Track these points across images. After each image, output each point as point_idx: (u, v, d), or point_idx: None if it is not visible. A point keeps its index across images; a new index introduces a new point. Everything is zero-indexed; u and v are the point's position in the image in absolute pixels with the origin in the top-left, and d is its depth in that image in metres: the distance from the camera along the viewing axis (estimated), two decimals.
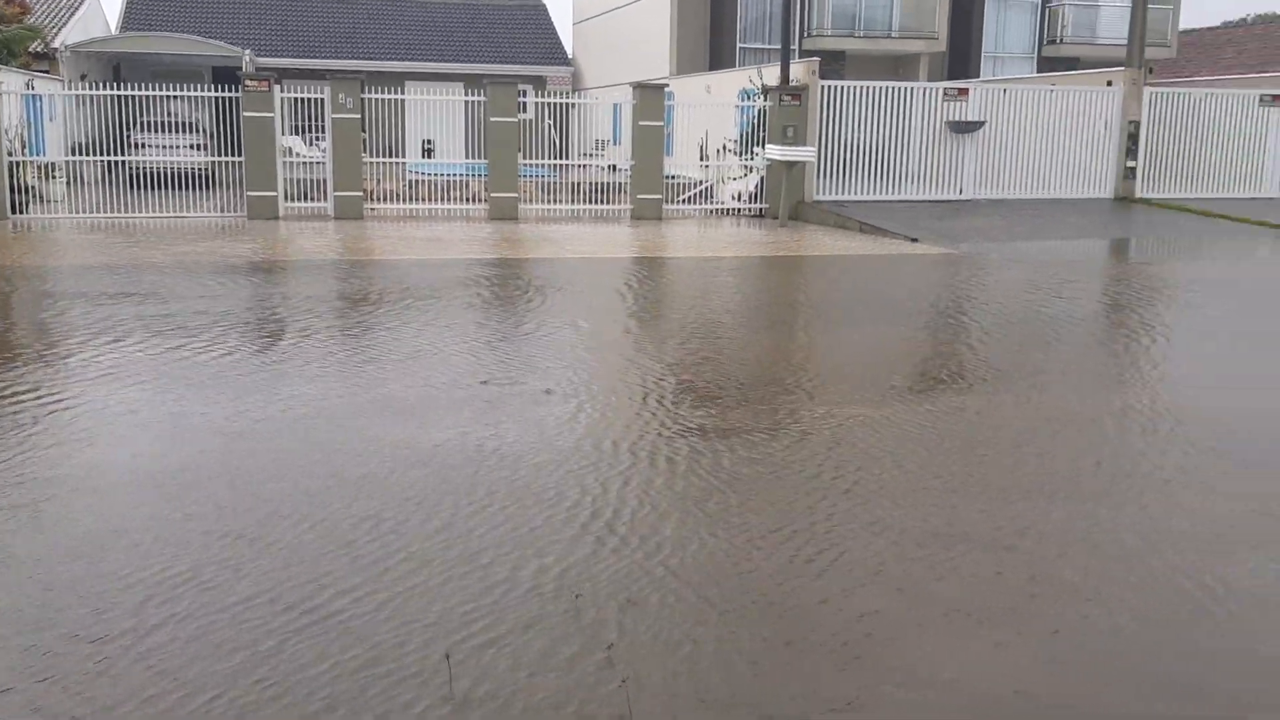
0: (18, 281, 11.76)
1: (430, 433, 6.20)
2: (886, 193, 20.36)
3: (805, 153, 19.37)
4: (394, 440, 6.04)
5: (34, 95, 19.37)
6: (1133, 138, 21.09)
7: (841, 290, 12.84)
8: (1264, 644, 3.96)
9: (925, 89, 21.10)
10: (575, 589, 4.19)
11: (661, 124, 19.86)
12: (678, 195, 20.90)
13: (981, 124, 20.55)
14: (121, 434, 6.17)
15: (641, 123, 19.63)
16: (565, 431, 6.33)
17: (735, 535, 4.78)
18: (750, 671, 3.64)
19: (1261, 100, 21.90)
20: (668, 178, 20.36)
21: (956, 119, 20.45)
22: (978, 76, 29.13)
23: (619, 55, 30.77)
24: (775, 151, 19.34)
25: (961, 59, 29.90)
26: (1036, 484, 5.60)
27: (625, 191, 20.42)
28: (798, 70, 20.27)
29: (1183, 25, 33.40)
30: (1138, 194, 21.32)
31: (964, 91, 20.90)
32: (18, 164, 17.75)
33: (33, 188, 18.19)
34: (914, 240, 16.68)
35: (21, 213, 17.40)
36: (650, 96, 19.85)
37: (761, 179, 20.41)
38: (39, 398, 6.85)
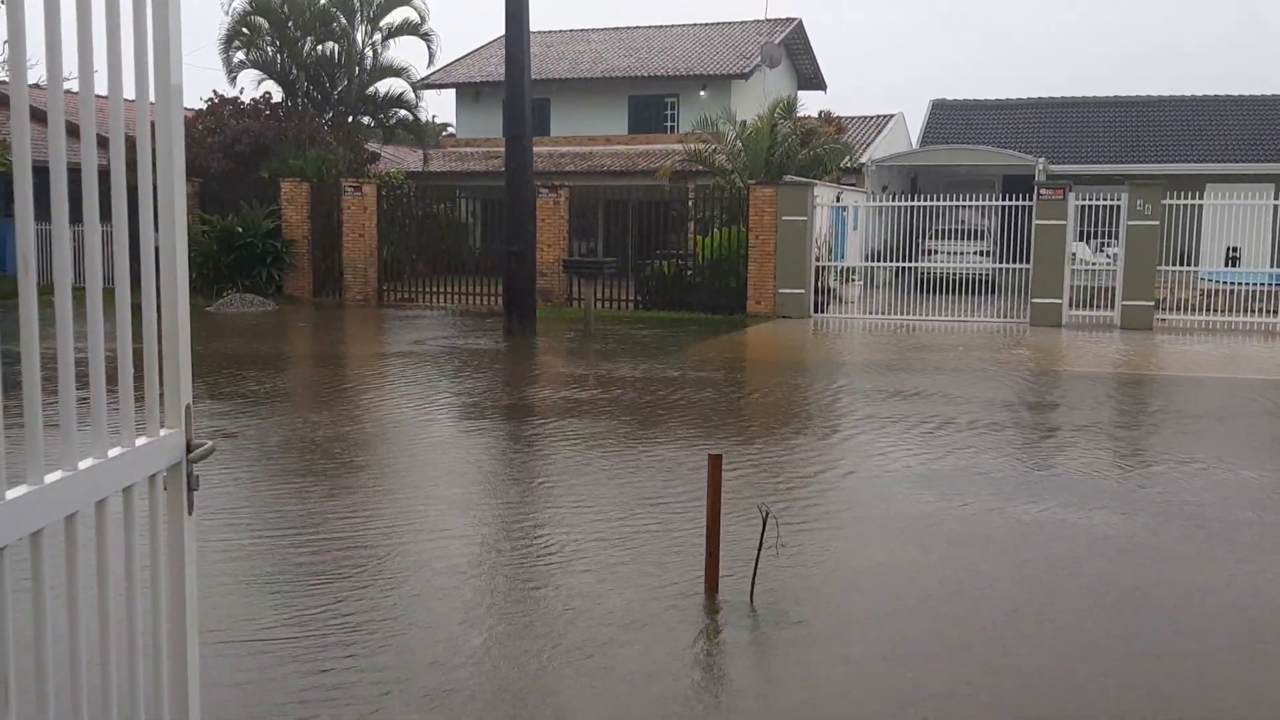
0: (826, 375, 12.70)
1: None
2: None
3: None
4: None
5: (841, 207, 21.23)
6: None
7: None
8: None
9: None
10: None
11: None
12: None
13: None
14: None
15: None
16: None
17: None
18: None
19: None
20: None
21: None
22: None
23: None
24: None
25: None
26: None
27: None
28: None
29: None
30: None
31: None
32: (822, 268, 19.50)
33: (832, 290, 19.87)
34: None
35: (822, 312, 19.04)
36: None
37: None
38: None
